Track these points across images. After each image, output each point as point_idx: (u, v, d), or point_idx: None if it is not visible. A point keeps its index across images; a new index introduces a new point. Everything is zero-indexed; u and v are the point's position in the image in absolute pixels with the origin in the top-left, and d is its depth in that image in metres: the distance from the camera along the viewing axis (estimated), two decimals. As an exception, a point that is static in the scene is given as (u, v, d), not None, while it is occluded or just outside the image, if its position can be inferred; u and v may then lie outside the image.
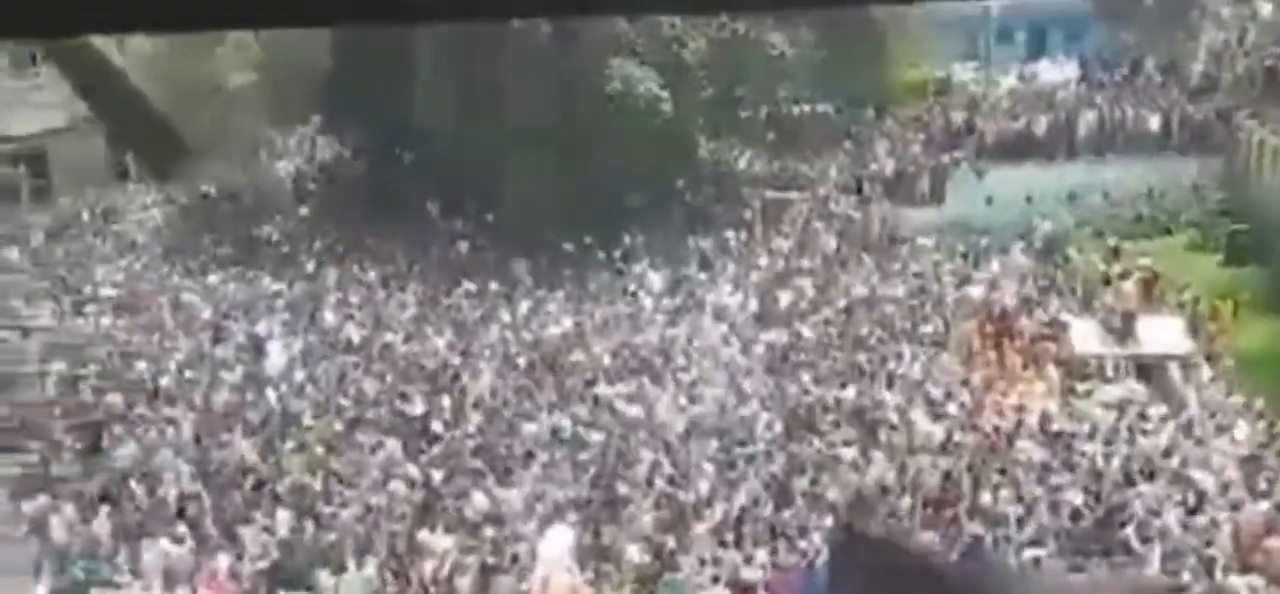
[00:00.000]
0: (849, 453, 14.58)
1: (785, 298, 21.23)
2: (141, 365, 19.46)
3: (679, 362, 18.61)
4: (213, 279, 24.03)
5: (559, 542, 12.60)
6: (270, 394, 17.96)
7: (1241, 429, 14.68)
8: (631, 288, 22.69)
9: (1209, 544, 12.01)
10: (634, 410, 16.51)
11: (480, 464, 15.11)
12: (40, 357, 20.17)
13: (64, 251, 25.69)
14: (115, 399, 18.10)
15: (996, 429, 15.13)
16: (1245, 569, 11.61)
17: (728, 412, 16.23)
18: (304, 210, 27.80)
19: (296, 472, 15.16)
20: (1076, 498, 12.99)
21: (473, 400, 17.31)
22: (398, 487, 14.48)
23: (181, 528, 13.77)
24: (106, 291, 23.32)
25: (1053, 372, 17.20)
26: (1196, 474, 13.32)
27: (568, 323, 20.85)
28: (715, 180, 27.67)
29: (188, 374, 19.06)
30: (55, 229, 26.69)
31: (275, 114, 28.75)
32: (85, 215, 27.65)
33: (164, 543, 13.48)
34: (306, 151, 30.95)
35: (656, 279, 22.95)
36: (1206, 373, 16.85)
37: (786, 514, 13.16)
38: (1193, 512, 12.63)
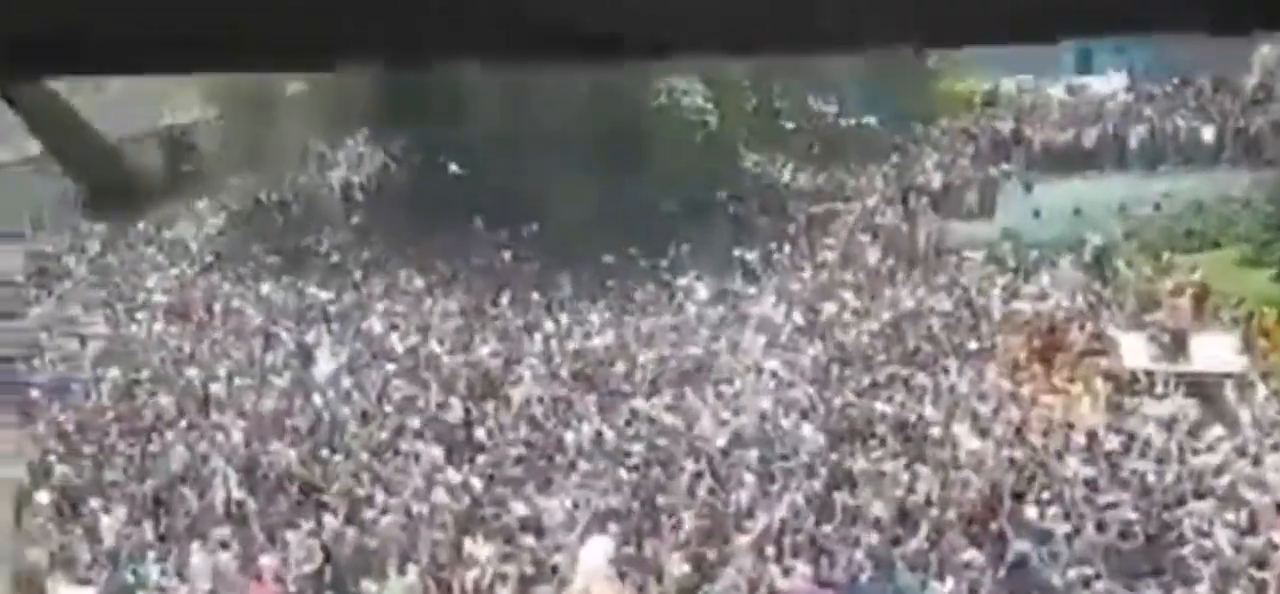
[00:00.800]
0: (893, 466, 14.48)
1: (830, 310, 21.13)
2: (192, 372, 19.80)
3: (722, 373, 18.59)
4: (263, 287, 24.40)
5: (598, 551, 12.61)
6: (317, 401, 18.19)
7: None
8: (675, 299, 22.71)
9: (1262, 565, 11.76)
10: (676, 421, 16.52)
11: (522, 473, 15.20)
12: (95, 362, 20.60)
13: (119, 260, 26.23)
14: (167, 404, 18.44)
15: (1043, 444, 14.93)
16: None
17: (770, 424, 16.17)
18: (353, 220, 28.15)
19: (342, 478, 15.34)
20: (1126, 515, 12.77)
21: (515, 409, 17.42)
22: (440, 494, 14.59)
23: (229, 533, 13.98)
24: (159, 299, 23.78)
25: (1101, 386, 16.94)
26: (1250, 494, 13.05)
27: (611, 334, 20.91)
28: (760, 192, 27.63)
29: (237, 381, 19.36)
30: (111, 238, 27.27)
31: (325, 124, 29.16)
32: (141, 224, 28.22)
33: (212, 548, 13.70)
34: (355, 162, 31.35)
35: (700, 290, 22.95)
36: (1261, 390, 16.51)
37: (828, 528, 13.08)
38: (1245, 532, 12.38)
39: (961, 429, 15.47)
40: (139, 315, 22.94)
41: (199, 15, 0.51)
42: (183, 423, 17.69)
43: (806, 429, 15.84)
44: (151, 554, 13.99)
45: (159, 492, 15.44)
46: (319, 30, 0.53)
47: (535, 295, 23.02)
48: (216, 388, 19.04)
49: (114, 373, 19.97)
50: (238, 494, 15.10)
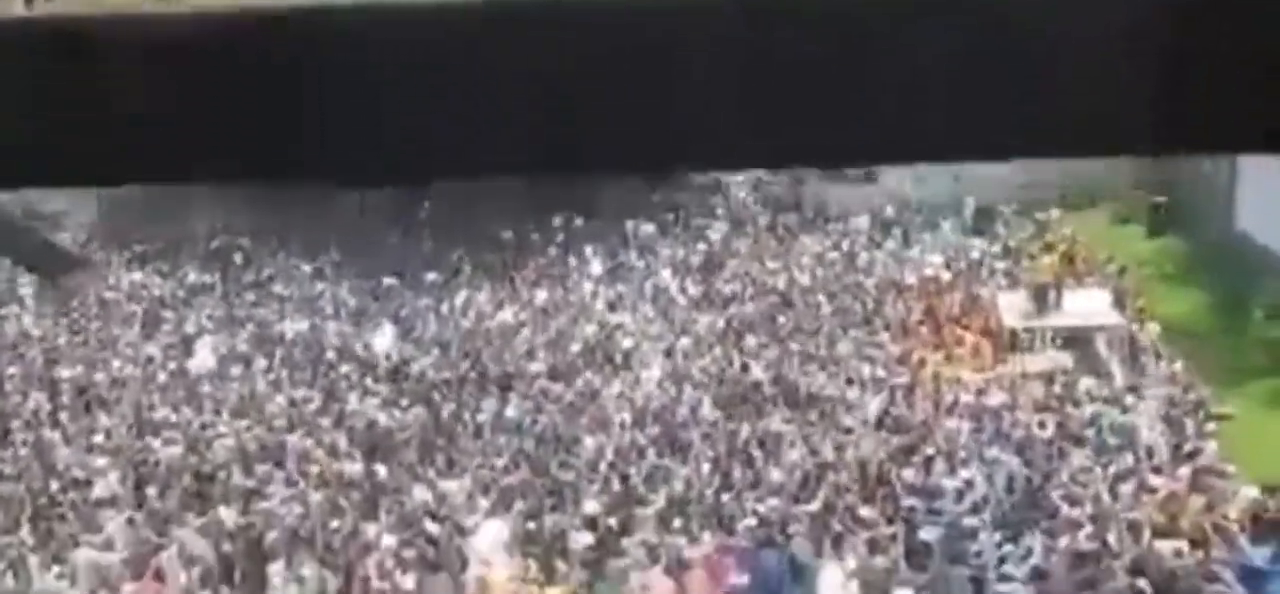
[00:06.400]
0: (789, 433, 14.79)
1: (720, 280, 21.41)
2: (66, 368, 19.00)
3: (621, 346, 18.69)
4: (139, 275, 23.54)
5: (494, 535, 12.64)
6: (204, 391, 17.67)
7: (1164, 395, 15.16)
8: (572, 275, 22.70)
9: (1137, 508, 12.38)
10: (577, 396, 16.56)
11: (422, 456, 15.05)
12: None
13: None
14: (41, 400, 17.66)
15: (931, 404, 15.44)
16: (1169, 532, 11.99)
17: (669, 395, 16.34)
18: (235, 203, 27.30)
19: (235, 471, 14.94)
20: (1010, 468, 13.30)
21: (413, 392, 17.21)
22: (339, 481, 14.34)
23: (114, 533, 13.49)
24: (26, 291, 22.72)
25: (983, 345, 17.59)
26: (1122, 441, 13.73)
27: (509, 311, 20.81)
28: (650, 164, 27.76)
29: (118, 374, 18.66)
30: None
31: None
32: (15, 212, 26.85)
33: (99, 547, 13.21)
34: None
35: (596, 265, 22.99)
36: (1132, 342, 17.34)
37: (727, 497, 13.31)
38: (1120, 478, 13.01)
39: (853, 392, 15.89)
40: (5, 311, 21.89)
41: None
42: (62, 419, 16.98)
43: (705, 399, 16.06)
44: (34, 559, 13.42)
45: (39, 493, 14.79)
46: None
47: (430, 275, 22.73)
48: (98, 379, 18.31)
49: (-17, 371, 19.03)
50: (122, 491, 14.59)
